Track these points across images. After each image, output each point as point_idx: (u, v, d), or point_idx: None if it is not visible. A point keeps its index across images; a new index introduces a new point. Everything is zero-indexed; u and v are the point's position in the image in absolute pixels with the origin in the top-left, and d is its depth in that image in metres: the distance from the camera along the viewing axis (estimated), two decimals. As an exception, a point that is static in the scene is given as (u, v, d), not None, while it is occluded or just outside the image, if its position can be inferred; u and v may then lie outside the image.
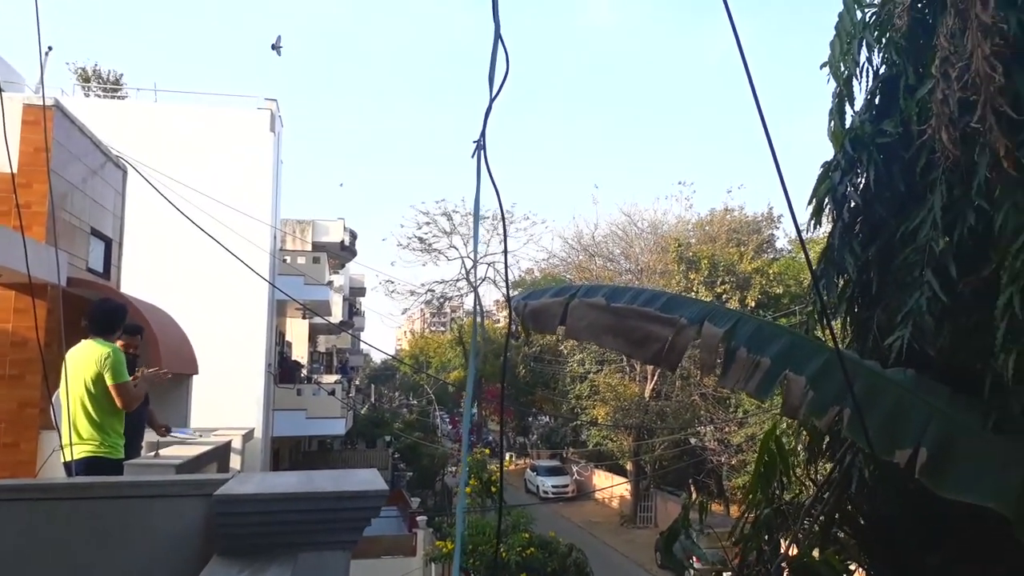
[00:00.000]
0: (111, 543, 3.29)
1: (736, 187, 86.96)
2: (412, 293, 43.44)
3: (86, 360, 5.33)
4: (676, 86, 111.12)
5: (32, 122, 9.08)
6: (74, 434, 5.20)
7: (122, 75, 31.09)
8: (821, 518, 4.13)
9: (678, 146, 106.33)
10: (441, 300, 46.48)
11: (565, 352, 35.91)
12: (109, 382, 5.34)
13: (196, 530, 3.31)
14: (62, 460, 5.39)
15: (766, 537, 3.99)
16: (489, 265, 40.70)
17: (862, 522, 3.95)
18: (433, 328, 75.56)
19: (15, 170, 8.59)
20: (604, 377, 32.80)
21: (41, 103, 9.18)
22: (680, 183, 47.77)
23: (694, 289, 28.93)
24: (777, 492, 4.08)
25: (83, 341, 5.47)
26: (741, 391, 3.29)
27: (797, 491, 4.30)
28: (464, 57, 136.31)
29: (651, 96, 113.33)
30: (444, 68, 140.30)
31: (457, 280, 42.65)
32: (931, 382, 3.30)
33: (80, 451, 5.24)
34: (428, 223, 40.13)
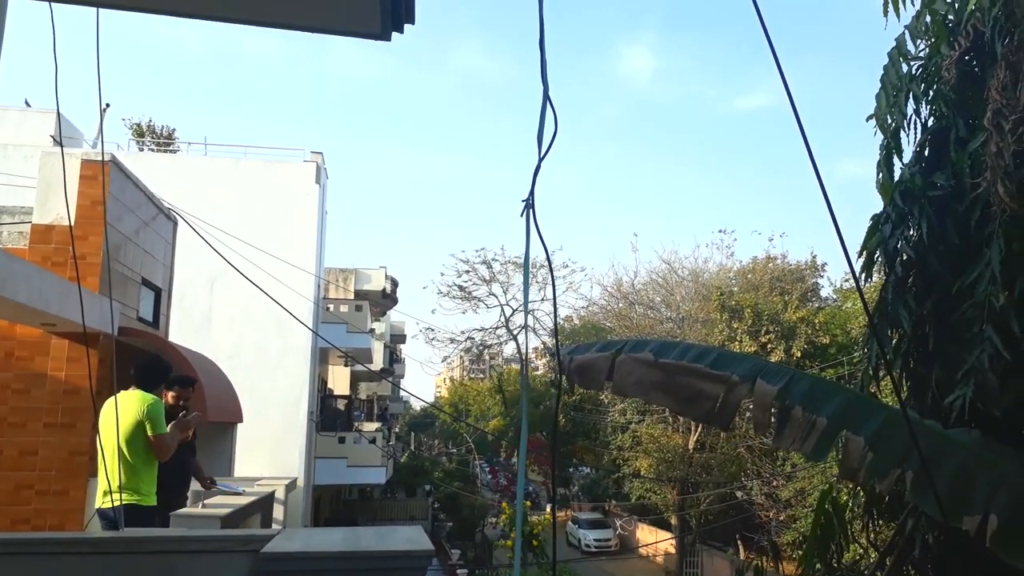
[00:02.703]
0: (158, 598, 3.29)
1: (778, 235, 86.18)
2: (452, 340, 43.58)
3: (128, 409, 5.43)
4: (714, 133, 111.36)
5: (90, 176, 9.42)
6: (114, 482, 5.26)
7: (175, 129, 32.25)
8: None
9: (717, 194, 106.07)
10: (480, 348, 46.54)
11: (606, 401, 35.45)
12: (149, 432, 5.42)
13: (241, 587, 3.29)
14: (97, 507, 5.46)
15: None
16: (529, 313, 40.64)
17: (926, 590, 3.77)
18: (472, 375, 75.44)
19: (73, 222, 8.90)
20: (646, 428, 32.25)
21: (98, 158, 9.54)
22: (721, 231, 47.55)
23: (738, 338, 28.46)
24: (835, 555, 3.92)
25: (125, 391, 5.58)
26: (797, 451, 3.19)
27: (856, 554, 4.13)
28: (501, 105, 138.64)
29: (690, 144, 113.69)
30: (483, 117, 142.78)
31: (496, 328, 42.70)
32: (997, 443, 3.17)
33: (118, 499, 5.30)
34: (468, 271, 40.40)
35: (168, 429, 5.58)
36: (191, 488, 7.05)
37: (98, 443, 5.42)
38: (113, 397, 5.44)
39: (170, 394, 6.32)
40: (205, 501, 6.99)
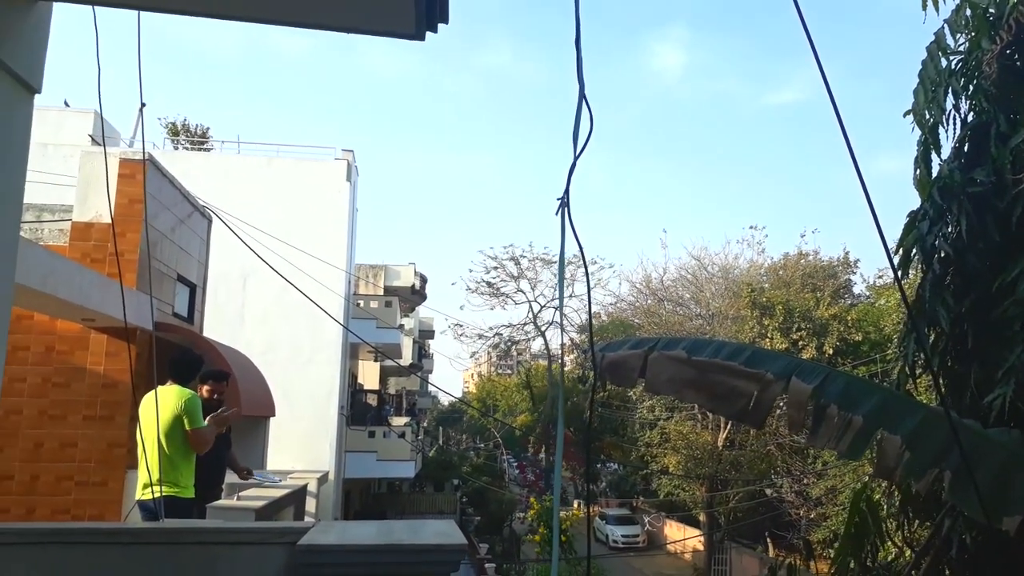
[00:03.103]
0: (197, 588, 3.35)
1: (810, 231, 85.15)
2: (480, 336, 43.78)
3: (167, 404, 5.54)
4: (745, 129, 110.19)
5: (127, 175, 9.60)
6: (154, 474, 5.38)
7: (208, 128, 32.75)
8: (917, 584, 3.91)
9: (748, 190, 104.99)
10: (509, 344, 46.63)
11: (634, 398, 35.32)
12: (187, 426, 5.53)
13: (278, 578, 3.35)
14: (137, 499, 5.58)
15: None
16: (557, 309, 40.69)
17: (963, 591, 3.73)
18: (500, 371, 75.64)
19: (112, 220, 9.08)
20: (675, 425, 32.10)
21: (136, 157, 9.72)
22: (751, 227, 47.03)
23: (769, 335, 28.18)
24: (869, 554, 3.89)
25: (164, 386, 5.69)
26: (832, 451, 3.17)
27: (891, 554, 4.09)
28: (530, 105, 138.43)
29: (720, 139, 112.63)
30: (511, 116, 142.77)
31: (524, 324, 42.79)
32: (1038, 443, 3.12)
33: (159, 491, 5.41)
34: (496, 268, 40.52)
35: (205, 423, 5.68)
36: (226, 480, 7.17)
37: (138, 436, 5.54)
38: (152, 391, 5.55)
39: (204, 388, 6.43)
40: (240, 494, 7.10)
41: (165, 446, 5.50)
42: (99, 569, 3.34)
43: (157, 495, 5.35)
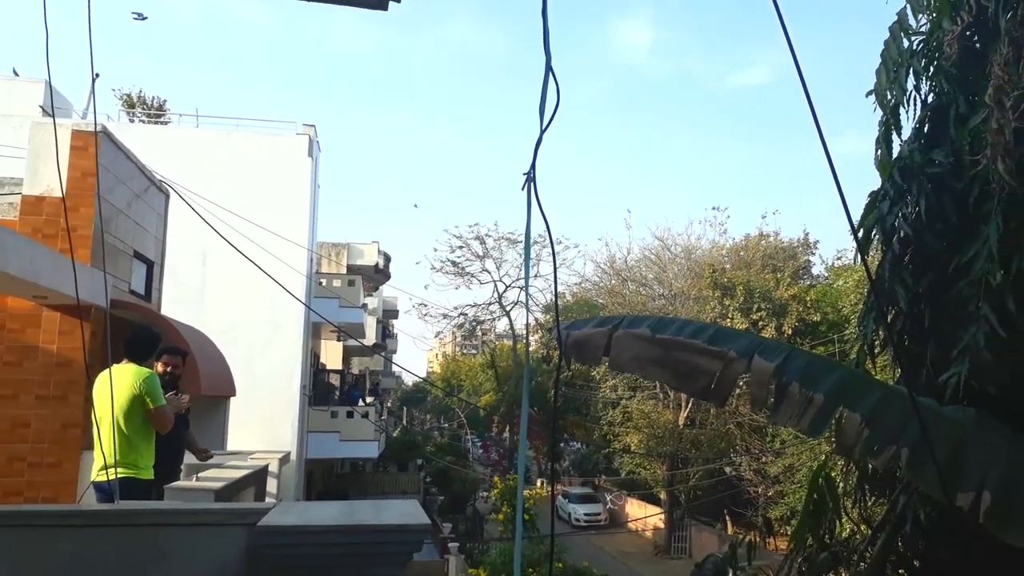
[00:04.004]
0: (154, 570, 3.29)
1: (771, 212, 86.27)
2: (445, 316, 43.68)
3: (124, 382, 5.40)
4: (709, 110, 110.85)
5: (80, 147, 9.30)
6: (109, 456, 5.26)
7: (165, 101, 31.86)
8: (868, 559, 3.99)
9: (712, 171, 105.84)
10: (473, 324, 46.59)
11: (597, 378, 35.61)
12: (149, 405, 5.41)
13: (238, 559, 3.30)
14: (93, 481, 5.46)
15: (818, 579, 3.87)
16: (521, 289, 40.76)
17: (916, 564, 3.81)
18: (465, 351, 75.63)
19: (64, 194, 8.80)
20: (637, 404, 32.46)
21: (88, 129, 9.42)
22: (714, 208, 47.40)
23: (729, 316, 28.57)
24: (827, 531, 3.95)
25: (118, 364, 5.54)
26: (793, 428, 3.20)
27: (847, 531, 4.16)
28: (494, 78, 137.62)
29: (685, 120, 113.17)
30: (477, 91, 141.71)
31: (489, 304, 42.79)
32: (991, 420, 3.19)
33: (116, 472, 5.29)
34: (461, 247, 40.38)
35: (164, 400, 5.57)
36: (184, 461, 7.06)
37: (93, 417, 5.40)
38: (107, 370, 5.40)
39: (159, 364, 6.30)
40: (199, 475, 7.00)
41: (123, 426, 5.38)
42: (54, 552, 3.25)
43: (113, 476, 5.23)
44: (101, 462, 5.29)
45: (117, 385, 5.28)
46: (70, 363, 8.84)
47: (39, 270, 7.60)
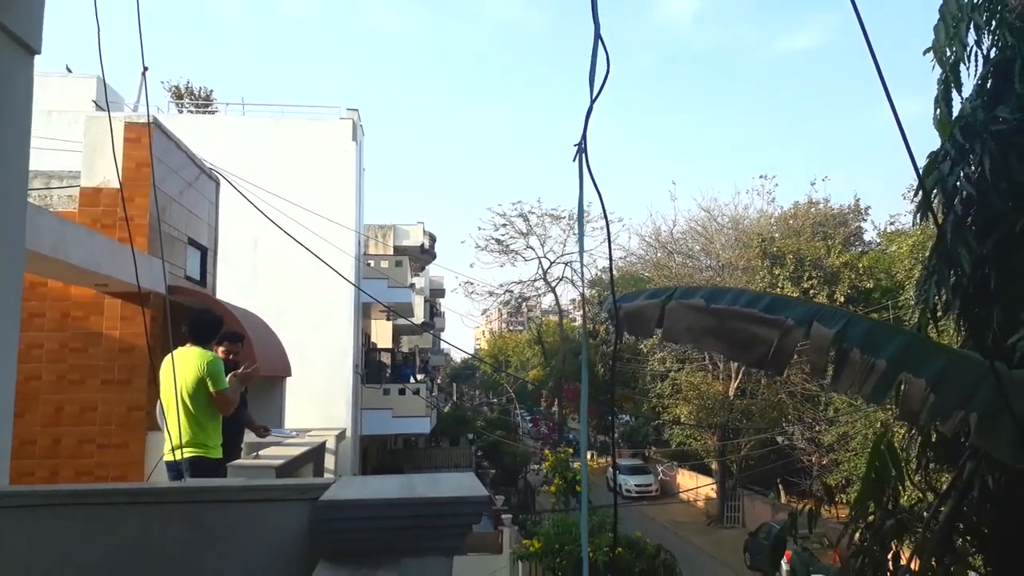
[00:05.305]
0: (220, 546, 3.38)
1: (820, 179, 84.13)
2: (491, 294, 43.85)
3: (189, 366, 5.53)
4: (754, 77, 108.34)
5: (133, 139, 9.54)
6: (177, 436, 5.40)
7: (212, 91, 32.43)
8: (936, 527, 3.91)
9: (758, 139, 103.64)
10: (519, 300, 46.69)
11: (644, 351, 35.42)
12: (211, 388, 5.52)
13: (300, 534, 3.37)
14: (164, 460, 5.62)
15: (881, 547, 3.80)
16: (567, 265, 40.67)
17: (985, 531, 3.73)
18: (511, 328, 75.92)
19: (121, 185, 9.04)
20: (686, 375, 32.24)
21: (141, 121, 9.64)
22: (762, 176, 46.40)
23: (779, 285, 28.09)
24: (889, 499, 3.88)
25: (182, 347, 5.66)
26: (855, 395, 3.14)
27: (915, 498, 4.08)
28: (537, 56, 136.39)
29: (730, 88, 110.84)
30: (518, 69, 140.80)
31: (534, 280, 42.79)
32: (1064, 384, 3.07)
33: (186, 453, 5.45)
34: (505, 224, 40.37)
35: (228, 383, 5.68)
36: (245, 440, 7.24)
37: (161, 399, 5.55)
38: (170, 354, 5.54)
39: (220, 349, 6.43)
40: (259, 452, 7.18)
41: (191, 407, 5.50)
42: (124, 528, 3.37)
43: (184, 456, 5.39)
44: (171, 443, 5.43)
45: (182, 367, 5.41)
46: (132, 348, 9.13)
47: (100, 259, 7.84)
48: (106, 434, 9.05)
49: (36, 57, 3.65)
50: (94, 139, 9.43)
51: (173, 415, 5.42)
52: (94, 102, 15.08)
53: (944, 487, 3.95)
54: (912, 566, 3.62)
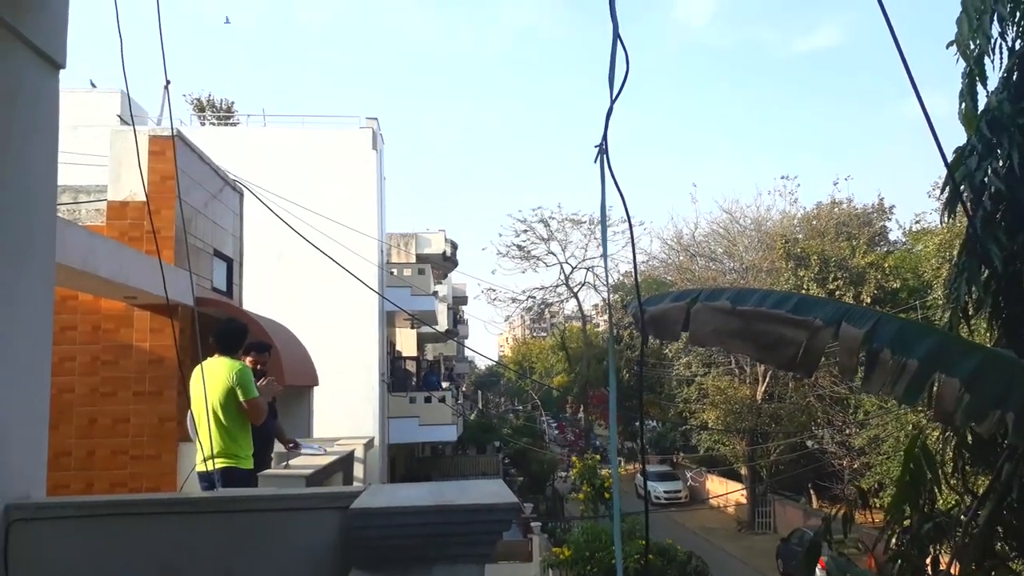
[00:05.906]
0: (253, 554, 3.41)
1: (843, 179, 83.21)
2: (513, 300, 43.90)
3: (218, 376, 5.58)
4: (775, 77, 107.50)
5: (158, 152, 9.67)
6: (208, 447, 5.45)
7: (233, 103, 32.83)
8: (975, 530, 3.84)
9: (778, 139, 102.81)
10: (542, 306, 46.67)
11: (670, 355, 35.19)
12: (241, 397, 5.56)
13: (332, 542, 3.39)
14: (196, 471, 5.66)
15: (919, 552, 3.73)
16: (588, 270, 40.58)
17: (1024, 534, 3.65)
18: (534, 334, 75.93)
19: (147, 197, 9.17)
20: (712, 380, 31.97)
21: (165, 134, 9.78)
22: (783, 177, 46.04)
23: (804, 287, 27.79)
24: (926, 503, 3.82)
25: (211, 359, 5.71)
26: (887, 397, 3.10)
27: (950, 502, 4.01)
28: (555, 62, 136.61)
29: (749, 88, 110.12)
30: (537, 75, 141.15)
31: (556, 286, 42.77)
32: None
33: (217, 463, 5.50)
34: (526, 231, 40.43)
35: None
36: (274, 450, 7.29)
37: (192, 410, 5.60)
38: (200, 366, 5.60)
39: (247, 359, 6.49)
40: (289, 462, 7.23)
41: (222, 418, 5.54)
42: (158, 538, 3.41)
43: (216, 466, 5.43)
44: (202, 453, 5.47)
45: (212, 378, 5.46)
46: (162, 360, 9.24)
47: (128, 272, 7.95)
48: (139, 445, 9.17)
49: (61, 72, 3.71)
50: (119, 153, 9.59)
51: (204, 426, 5.47)
52: (118, 116, 15.33)
53: (981, 490, 3.87)
54: (952, 571, 3.55)
